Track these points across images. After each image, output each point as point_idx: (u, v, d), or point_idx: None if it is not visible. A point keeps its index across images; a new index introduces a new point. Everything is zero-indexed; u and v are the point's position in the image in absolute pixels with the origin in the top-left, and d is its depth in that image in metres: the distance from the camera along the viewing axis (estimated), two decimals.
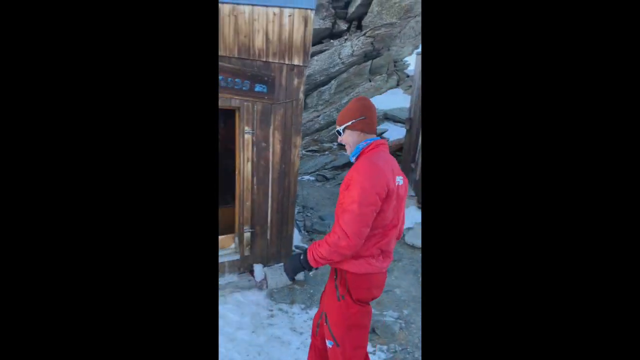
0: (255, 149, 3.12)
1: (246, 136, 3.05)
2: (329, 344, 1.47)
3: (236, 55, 2.83)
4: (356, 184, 1.28)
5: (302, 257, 1.42)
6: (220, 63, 2.78)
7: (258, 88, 2.99)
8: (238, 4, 2.73)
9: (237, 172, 3.20)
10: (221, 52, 2.77)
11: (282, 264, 1.63)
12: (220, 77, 2.81)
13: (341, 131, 1.48)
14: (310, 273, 1.55)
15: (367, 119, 1.43)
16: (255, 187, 3.21)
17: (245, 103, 2.97)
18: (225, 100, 2.89)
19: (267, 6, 2.83)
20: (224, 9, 2.70)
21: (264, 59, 2.95)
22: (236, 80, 2.88)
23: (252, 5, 2.78)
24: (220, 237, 3.29)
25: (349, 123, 1.44)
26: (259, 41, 2.89)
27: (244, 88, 2.93)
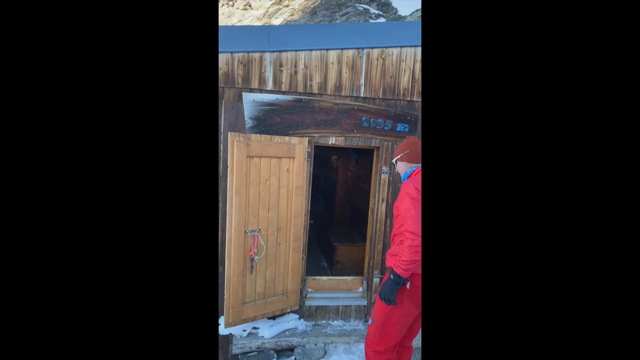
0: (391, 189, 2.98)
1: (383, 176, 2.96)
2: (370, 321, 1.93)
3: (380, 96, 2.83)
4: (405, 197, 1.67)
5: (391, 277, 1.71)
6: (364, 104, 2.82)
7: (400, 127, 2.90)
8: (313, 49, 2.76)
9: (370, 212, 3.10)
10: (366, 94, 2.81)
11: None
12: (363, 118, 2.84)
13: (394, 163, 1.99)
14: (408, 285, 1.74)
15: (412, 152, 1.91)
16: (388, 229, 3.03)
17: (385, 143, 2.91)
18: (366, 140, 2.88)
19: (415, 46, 2.77)
20: (373, 53, 2.77)
21: (409, 98, 2.86)
22: (378, 120, 2.86)
23: (401, 47, 2.77)
24: (347, 279, 3.20)
25: (399, 156, 1.94)
26: (404, 81, 2.83)
27: (385, 128, 2.89)
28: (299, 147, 2.68)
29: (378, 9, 11.12)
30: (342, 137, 2.86)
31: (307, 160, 2.78)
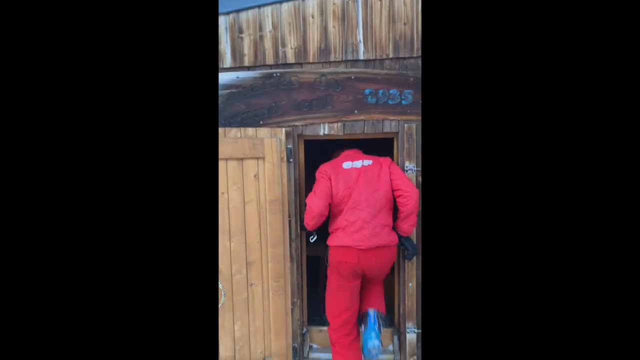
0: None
1: (408, 176, 1.95)
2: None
3: (391, 55, 1.87)
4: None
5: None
6: (366, 70, 1.89)
7: None
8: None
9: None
10: (368, 55, 1.88)
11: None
12: (366, 91, 1.90)
13: None
14: (311, 239, 1.98)
15: None
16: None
17: (406, 125, 1.91)
18: (375, 125, 1.93)
19: None
20: None
21: None
22: (391, 91, 1.90)
23: None
24: None
25: None
26: None
27: (403, 102, 1.90)
28: (270, 142, 1.84)
29: None
30: (338, 123, 1.94)
31: (289, 162, 1.92)
